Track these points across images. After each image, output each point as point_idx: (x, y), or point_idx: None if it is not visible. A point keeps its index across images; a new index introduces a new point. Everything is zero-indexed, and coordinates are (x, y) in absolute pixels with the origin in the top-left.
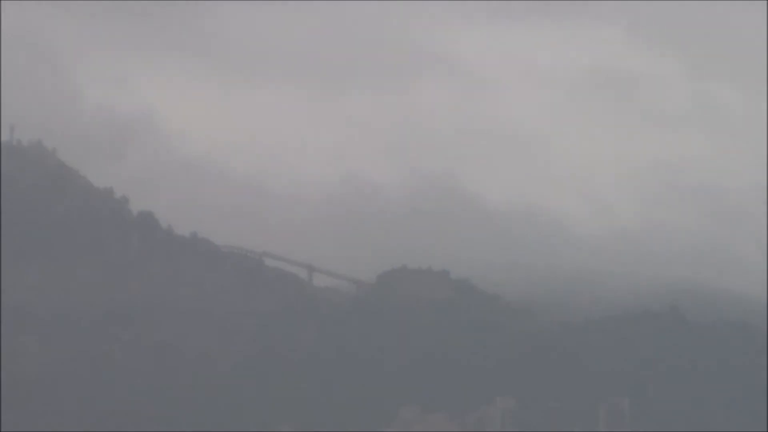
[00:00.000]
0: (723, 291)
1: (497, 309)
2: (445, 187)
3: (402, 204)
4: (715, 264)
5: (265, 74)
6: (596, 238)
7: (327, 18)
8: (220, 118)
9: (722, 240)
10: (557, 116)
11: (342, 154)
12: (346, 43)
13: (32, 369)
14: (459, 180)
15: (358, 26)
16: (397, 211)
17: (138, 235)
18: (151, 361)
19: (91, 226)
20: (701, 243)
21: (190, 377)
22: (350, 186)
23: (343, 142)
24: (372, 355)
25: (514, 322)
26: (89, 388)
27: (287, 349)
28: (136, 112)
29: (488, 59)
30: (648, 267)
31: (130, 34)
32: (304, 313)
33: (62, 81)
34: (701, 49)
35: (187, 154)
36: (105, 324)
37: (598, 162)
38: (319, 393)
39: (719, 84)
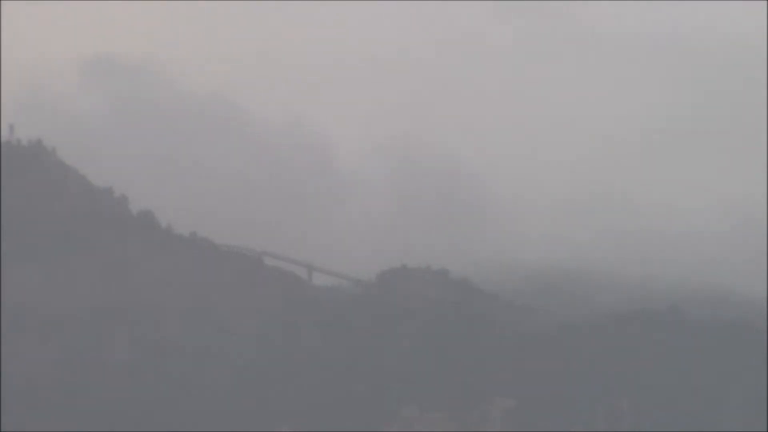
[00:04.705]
0: (723, 291)
1: (497, 308)
2: None
3: None
4: (715, 264)
5: None
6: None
7: None
8: None
9: (723, 240)
10: None
11: None
12: None
13: (32, 369)
14: None
15: None
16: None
17: (138, 235)
18: (150, 360)
19: (91, 226)
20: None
21: (190, 377)
22: None
23: None
24: (372, 354)
25: (514, 322)
26: (89, 387)
27: (287, 349)
28: None
29: None
30: (648, 267)
31: None
32: (303, 312)
33: None
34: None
35: None
36: (104, 323)
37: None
38: (319, 393)
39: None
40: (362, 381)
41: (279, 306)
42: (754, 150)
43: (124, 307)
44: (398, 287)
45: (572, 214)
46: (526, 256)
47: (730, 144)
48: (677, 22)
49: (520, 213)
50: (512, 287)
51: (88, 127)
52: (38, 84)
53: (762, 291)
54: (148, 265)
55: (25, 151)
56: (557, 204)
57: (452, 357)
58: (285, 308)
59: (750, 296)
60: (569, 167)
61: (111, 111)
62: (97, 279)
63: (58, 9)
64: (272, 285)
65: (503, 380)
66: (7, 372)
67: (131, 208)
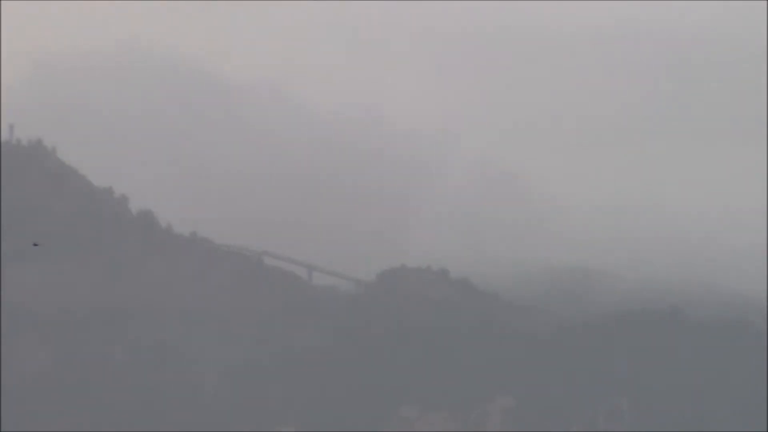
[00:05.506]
0: (723, 291)
1: (497, 308)
2: None
3: None
4: (715, 264)
5: None
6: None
7: None
8: None
9: (723, 240)
10: None
11: None
12: None
13: (32, 369)
14: None
15: None
16: None
17: (137, 235)
18: (150, 360)
19: (91, 225)
20: (702, 243)
21: (190, 377)
22: None
23: None
24: (372, 354)
25: (513, 322)
26: (89, 387)
27: (287, 349)
28: None
29: None
30: (648, 267)
31: None
32: (303, 312)
33: None
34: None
35: None
36: (104, 323)
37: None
38: (319, 393)
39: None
40: (362, 381)
41: (279, 306)
42: (754, 150)
43: (123, 307)
44: (398, 287)
45: (572, 214)
46: (526, 256)
47: (731, 144)
48: (677, 22)
49: (519, 213)
50: (512, 287)
51: (88, 127)
52: (38, 83)
53: (762, 291)
54: (148, 265)
55: (25, 151)
56: (557, 205)
57: (452, 357)
58: (285, 308)
59: (750, 296)
60: (568, 168)
61: (111, 111)
62: (96, 279)
63: (57, 6)
64: (272, 285)
65: (503, 380)
66: (7, 372)
67: (131, 208)
